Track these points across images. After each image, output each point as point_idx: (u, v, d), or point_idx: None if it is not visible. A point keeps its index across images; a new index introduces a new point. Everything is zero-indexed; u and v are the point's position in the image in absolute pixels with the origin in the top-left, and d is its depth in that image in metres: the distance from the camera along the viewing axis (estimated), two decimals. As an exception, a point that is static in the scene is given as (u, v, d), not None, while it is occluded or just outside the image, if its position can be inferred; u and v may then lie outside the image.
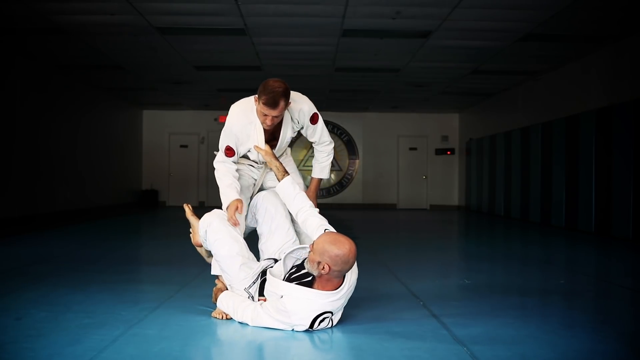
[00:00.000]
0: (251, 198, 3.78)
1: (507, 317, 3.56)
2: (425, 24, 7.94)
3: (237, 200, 3.47)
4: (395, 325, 3.33)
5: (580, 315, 3.71)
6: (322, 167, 3.90)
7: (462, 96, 14.07)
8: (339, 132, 17.09)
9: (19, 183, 10.08)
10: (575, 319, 3.60)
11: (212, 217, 3.45)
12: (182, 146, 17.03)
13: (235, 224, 3.44)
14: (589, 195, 9.18)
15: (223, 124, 3.64)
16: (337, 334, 3.14)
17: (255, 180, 3.83)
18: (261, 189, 3.90)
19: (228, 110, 3.67)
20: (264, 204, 3.63)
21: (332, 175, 17.25)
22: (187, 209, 3.89)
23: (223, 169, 3.59)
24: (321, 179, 3.91)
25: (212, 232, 3.41)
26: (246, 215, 3.69)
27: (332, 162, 4.01)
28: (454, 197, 17.19)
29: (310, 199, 3.56)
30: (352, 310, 3.54)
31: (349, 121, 17.10)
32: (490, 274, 5.46)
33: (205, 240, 3.48)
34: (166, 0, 7.11)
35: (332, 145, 3.89)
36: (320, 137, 3.79)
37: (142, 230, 10.49)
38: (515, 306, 3.90)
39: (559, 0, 6.88)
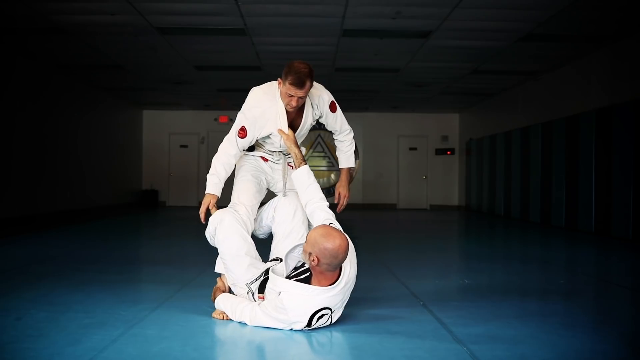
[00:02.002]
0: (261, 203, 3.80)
1: (507, 317, 3.56)
2: (425, 24, 7.94)
3: (213, 196, 3.58)
4: (395, 325, 3.33)
5: (580, 315, 3.71)
6: (347, 157, 3.98)
7: (462, 96, 14.07)
8: (339, 132, 17.07)
9: (19, 183, 10.08)
10: (575, 319, 3.60)
11: (223, 215, 3.49)
12: (182, 146, 17.03)
13: (203, 219, 3.57)
14: (589, 195, 9.18)
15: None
16: (337, 334, 3.14)
17: (269, 182, 3.83)
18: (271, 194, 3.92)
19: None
20: (285, 205, 3.66)
21: (332, 175, 17.25)
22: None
23: (223, 153, 3.61)
24: (350, 168, 3.99)
25: (222, 230, 3.45)
26: (260, 217, 3.72)
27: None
28: (454, 197, 17.18)
29: (345, 189, 3.87)
30: (352, 310, 3.55)
31: (349, 121, 16.69)
32: (490, 274, 5.46)
33: (214, 237, 3.51)
34: (166, 0, 7.12)
35: (352, 133, 3.97)
36: (341, 126, 3.86)
37: (142, 230, 10.49)
38: (515, 306, 3.90)
39: (558, 0, 6.88)
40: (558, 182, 10.28)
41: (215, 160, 3.62)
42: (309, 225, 3.67)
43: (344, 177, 3.94)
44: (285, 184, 3.79)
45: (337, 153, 4.01)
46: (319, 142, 17.02)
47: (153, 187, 16.82)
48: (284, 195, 3.79)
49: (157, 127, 16.94)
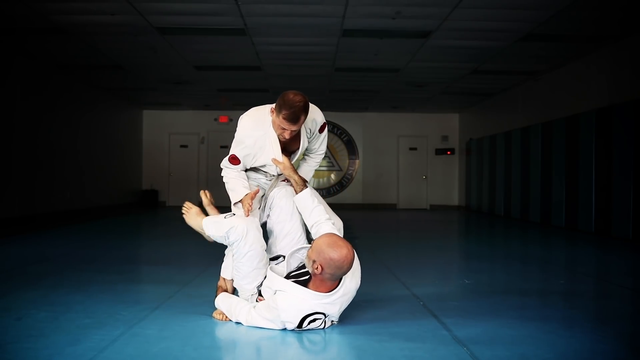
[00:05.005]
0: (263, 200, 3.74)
1: (507, 317, 3.57)
2: (425, 24, 7.94)
3: (249, 193, 3.45)
4: (395, 325, 3.34)
5: (580, 315, 3.71)
6: (308, 170, 3.80)
7: (462, 96, 14.07)
8: (339, 132, 17.09)
9: (19, 183, 10.08)
10: (575, 319, 3.59)
11: (248, 226, 3.30)
12: (182, 146, 17.03)
13: (249, 209, 3.39)
14: (589, 195, 9.18)
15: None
16: (337, 334, 3.14)
17: (265, 190, 3.76)
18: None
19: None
20: (280, 203, 3.55)
21: (332, 175, 17.25)
22: (205, 198, 3.83)
23: (229, 172, 3.55)
24: (305, 181, 3.72)
25: (248, 243, 3.29)
26: (260, 214, 3.65)
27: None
28: (454, 197, 17.19)
29: (288, 169, 3.53)
30: (352, 311, 3.55)
31: (349, 121, 17.11)
32: (490, 274, 5.46)
33: (231, 244, 3.36)
34: (166, 0, 7.12)
35: (324, 155, 3.85)
36: (320, 146, 3.75)
37: (142, 230, 10.49)
38: (515, 306, 3.90)
39: (558, 0, 6.88)
40: (558, 182, 10.28)
41: (230, 180, 3.52)
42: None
43: (299, 180, 3.57)
44: (271, 189, 3.68)
45: (301, 162, 3.81)
46: (319, 142, 17.02)
47: (153, 187, 16.82)
48: (266, 195, 3.69)
49: (157, 127, 16.94)
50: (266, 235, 3.67)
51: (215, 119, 16.54)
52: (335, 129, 17.01)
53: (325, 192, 16.98)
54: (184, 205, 3.72)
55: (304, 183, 3.52)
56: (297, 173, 3.54)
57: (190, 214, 3.66)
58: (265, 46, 9.26)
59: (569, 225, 9.85)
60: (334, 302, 3.11)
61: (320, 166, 16.96)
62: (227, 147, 3.77)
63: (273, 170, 3.59)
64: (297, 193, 3.51)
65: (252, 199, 3.45)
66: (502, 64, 10.38)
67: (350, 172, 17.26)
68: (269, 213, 3.62)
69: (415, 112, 16.94)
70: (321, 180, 17.03)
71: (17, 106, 10.01)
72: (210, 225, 3.48)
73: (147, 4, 7.19)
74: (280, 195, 3.59)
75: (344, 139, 17.18)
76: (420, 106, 15.80)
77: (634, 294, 4.59)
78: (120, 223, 11.10)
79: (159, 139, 16.93)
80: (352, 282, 3.17)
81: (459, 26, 7.99)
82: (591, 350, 2.94)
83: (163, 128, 16.96)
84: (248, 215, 3.39)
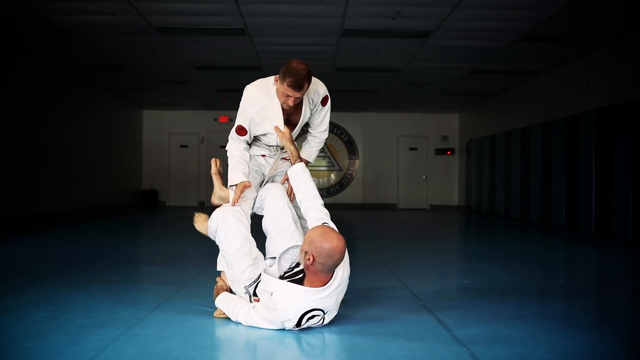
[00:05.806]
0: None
1: (507, 317, 3.57)
2: (425, 24, 7.94)
3: (243, 182, 3.52)
4: (395, 325, 3.34)
5: (580, 315, 3.71)
6: (311, 151, 3.89)
7: (462, 96, 14.07)
8: (339, 132, 17.09)
9: (19, 183, 10.08)
10: (575, 319, 3.60)
11: (225, 213, 3.48)
12: (182, 146, 17.03)
13: (236, 200, 3.51)
14: (589, 195, 9.18)
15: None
16: (338, 334, 3.15)
17: (264, 175, 3.83)
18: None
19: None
20: (272, 201, 3.62)
21: (332, 175, 17.24)
22: (214, 166, 3.94)
23: (235, 148, 3.62)
24: (307, 162, 3.85)
25: (224, 228, 3.44)
26: (253, 205, 3.71)
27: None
28: (454, 197, 17.19)
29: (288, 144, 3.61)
30: (352, 311, 3.55)
31: (349, 121, 17.11)
32: (490, 274, 5.46)
33: (215, 233, 3.52)
34: (166, 0, 7.12)
35: (327, 134, 3.91)
36: (322, 121, 3.80)
37: (142, 230, 10.49)
38: (515, 306, 3.90)
39: (558, 0, 6.88)
40: (558, 182, 10.28)
41: (232, 159, 3.60)
42: (300, 221, 3.68)
43: (295, 151, 3.62)
44: (271, 171, 3.81)
45: (304, 144, 3.92)
46: (319, 142, 17.00)
47: (153, 187, 16.82)
48: (267, 181, 3.81)
49: (157, 127, 16.94)
50: (263, 237, 3.69)
51: (215, 119, 16.54)
52: (335, 129, 17.01)
53: (325, 192, 16.97)
54: (195, 214, 3.89)
55: (298, 156, 3.61)
56: (294, 145, 3.61)
57: (200, 221, 3.83)
58: (265, 46, 9.26)
59: (569, 225, 9.85)
60: (330, 295, 3.13)
61: (320, 166, 17.01)
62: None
63: (273, 140, 3.66)
64: (292, 165, 3.61)
65: (244, 190, 3.53)
66: (502, 64, 10.38)
67: (350, 172, 17.26)
68: (263, 210, 3.67)
69: (415, 112, 16.94)
70: (321, 180, 17.03)
71: (17, 106, 10.00)
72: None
73: (147, 4, 7.19)
74: (272, 194, 3.65)
75: (344, 139, 17.18)
76: (420, 106, 15.80)
77: (634, 294, 4.59)
78: (120, 223, 11.09)
79: (159, 139, 16.94)
80: (344, 272, 3.20)
81: (459, 26, 7.99)
82: (591, 350, 2.94)
83: (163, 128, 16.96)
84: (234, 205, 3.52)
